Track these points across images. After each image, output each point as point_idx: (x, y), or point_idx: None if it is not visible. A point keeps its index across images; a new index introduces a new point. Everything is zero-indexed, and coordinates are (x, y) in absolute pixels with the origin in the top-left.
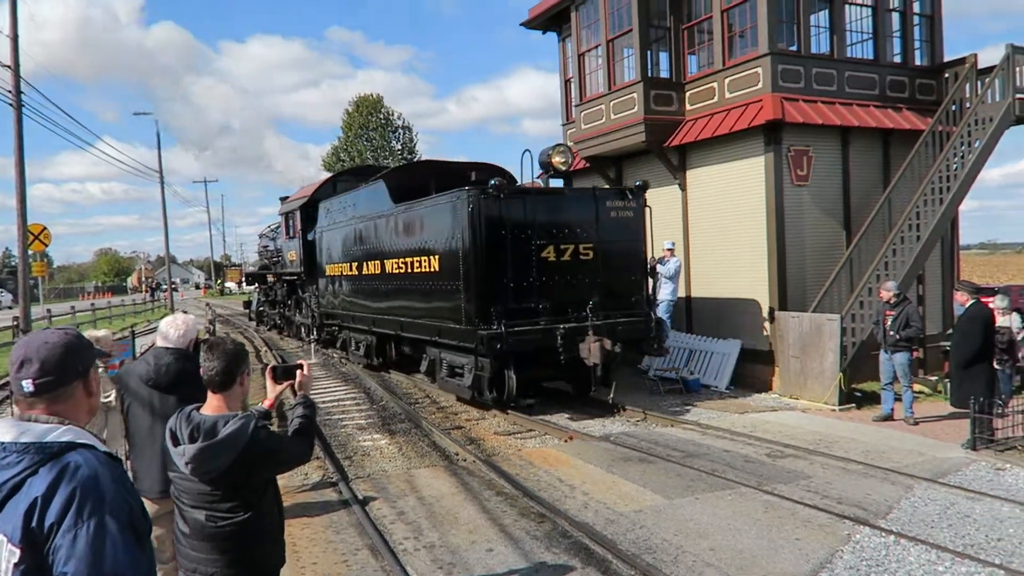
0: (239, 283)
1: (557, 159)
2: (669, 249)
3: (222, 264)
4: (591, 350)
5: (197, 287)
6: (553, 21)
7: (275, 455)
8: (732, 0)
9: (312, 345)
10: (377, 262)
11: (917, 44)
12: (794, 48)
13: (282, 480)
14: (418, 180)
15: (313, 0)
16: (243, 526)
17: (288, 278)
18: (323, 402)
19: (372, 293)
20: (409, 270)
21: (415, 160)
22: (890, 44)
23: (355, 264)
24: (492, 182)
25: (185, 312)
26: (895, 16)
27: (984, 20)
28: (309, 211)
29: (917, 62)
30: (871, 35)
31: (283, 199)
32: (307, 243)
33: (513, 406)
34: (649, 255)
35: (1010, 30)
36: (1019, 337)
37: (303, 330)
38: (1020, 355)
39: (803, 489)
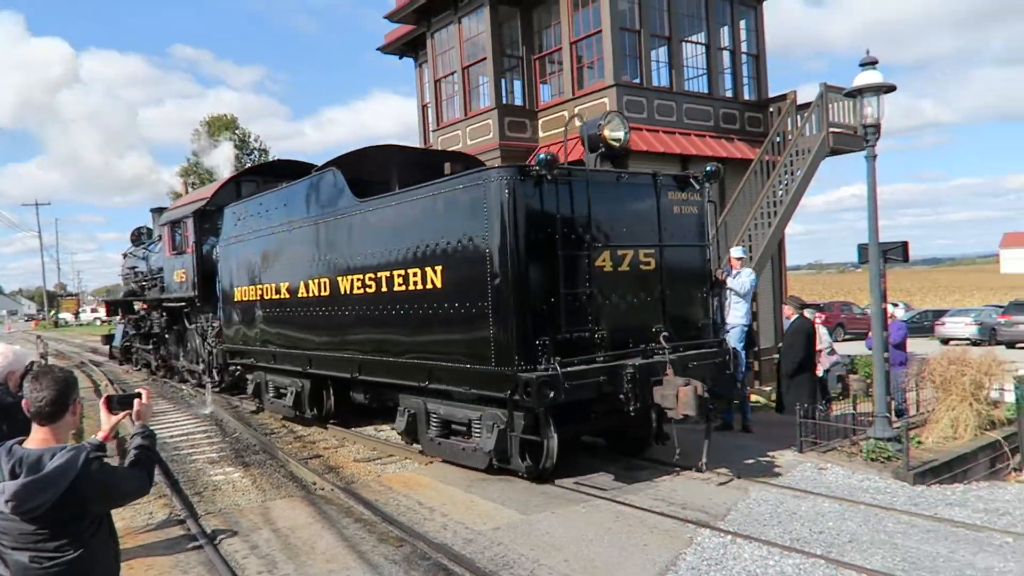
0: (76, 314)
1: (609, 133)
2: (739, 258)
3: (56, 294)
4: (680, 397)
5: (29, 319)
6: (409, 47)
7: (109, 489)
8: (580, 33)
9: (208, 390)
10: (324, 280)
11: (746, 80)
12: (637, 81)
13: (123, 520)
14: (374, 171)
15: (154, 16)
16: (72, 566)
17: (172, 305)
18: (170, 436)
19: (312, 323)
20: (384, 289)
21: (367, 147)
22: (722, 80)
23: (285, 285)
24: (542, 156)
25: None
26: (726, 54)
27: (805, 60)
28: (206, 219)
29: (746, 97)
30: (705, 71)
31: (157, 210)
32: (203, 260)
33: (551, 476)
34: (713, 266)
35: (827, 69)
36: (827, 350)
37: (196, 369)
38: (821, 366)
39: (651, 498)
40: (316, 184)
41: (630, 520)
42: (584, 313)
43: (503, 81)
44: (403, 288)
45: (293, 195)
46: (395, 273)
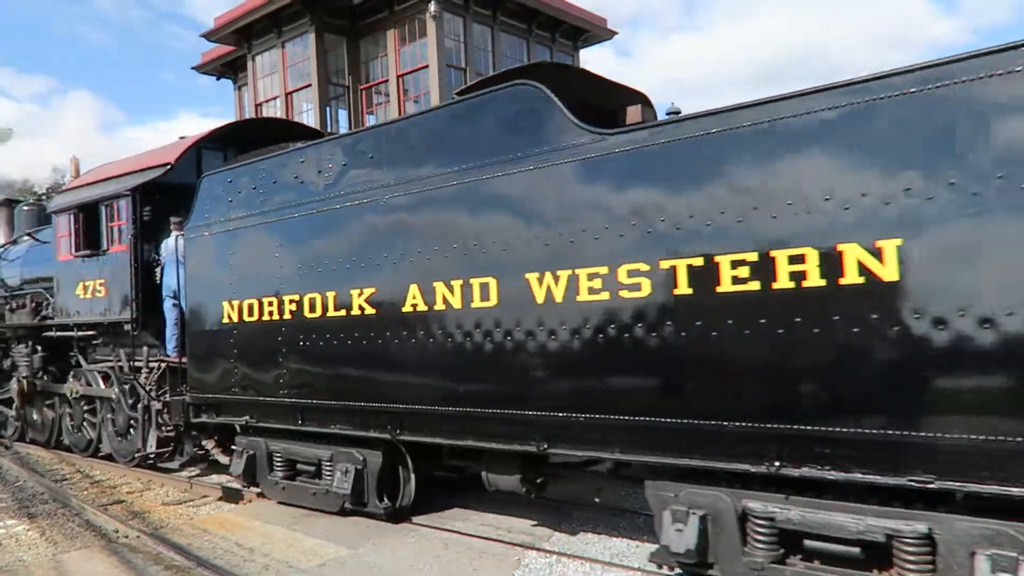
0: None
1: None
2: None
3: None
4: None
5: None
6: (228, 68)
7: None
8: (407, 67)
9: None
10: (484, 281)
11: None
12: None
13: None
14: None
15: None
16: None
17: (76, 333)
18: None
19: (425, 356)
20: (681, 289)
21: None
22: None
23: (362, 294)
24: None
25: None
26: None
27: None
28: (152, 201)
29: None
30: None
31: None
32: (141, 264)
33: None
34: None
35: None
36: None
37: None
38: None
39: (478, 524)
40: (481, 111)
41: (459, 547)
42: None
43: (328, 109)
44: (740, 288)
45: (405, 136)
46: (722, 261)
